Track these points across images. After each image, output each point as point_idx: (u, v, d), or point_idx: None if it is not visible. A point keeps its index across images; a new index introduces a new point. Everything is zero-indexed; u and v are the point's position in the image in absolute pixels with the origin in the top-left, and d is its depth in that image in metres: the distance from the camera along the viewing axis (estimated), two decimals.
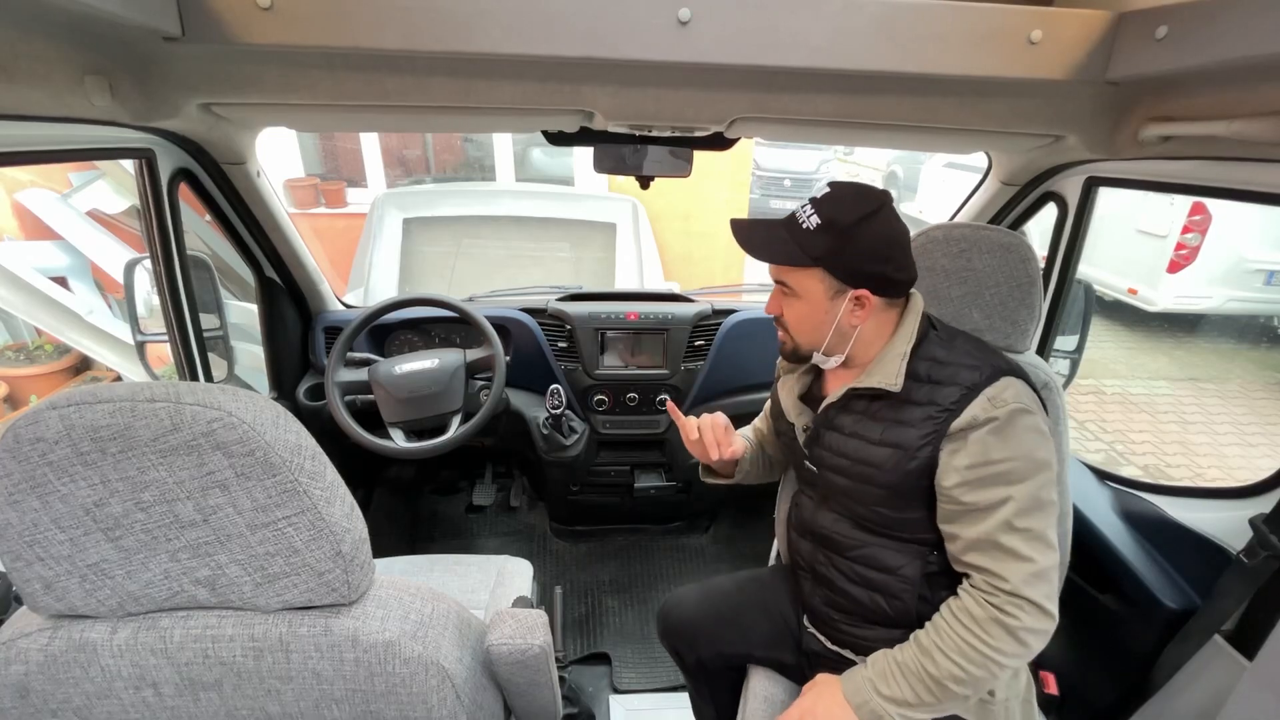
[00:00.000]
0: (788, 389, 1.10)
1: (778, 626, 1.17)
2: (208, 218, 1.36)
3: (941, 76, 0.90)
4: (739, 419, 1.79)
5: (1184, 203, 4.85)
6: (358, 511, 0.62)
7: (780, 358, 1.19)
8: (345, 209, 4.46)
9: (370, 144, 4.39)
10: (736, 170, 4.64)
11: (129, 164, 1.34)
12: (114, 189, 3.82)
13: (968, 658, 0.84)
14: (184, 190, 1.24)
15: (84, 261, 3.54)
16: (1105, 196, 1.36)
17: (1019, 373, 0.91)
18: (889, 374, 0.92)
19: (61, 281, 3.47)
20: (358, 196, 4.46)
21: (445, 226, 4.12)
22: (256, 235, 1.43)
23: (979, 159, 1.47)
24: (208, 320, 1.75)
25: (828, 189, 0.92)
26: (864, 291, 0.91)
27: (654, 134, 1.17)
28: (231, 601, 0.58)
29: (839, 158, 9.37)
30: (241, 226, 1.40)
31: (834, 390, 1.00)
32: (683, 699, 1.63)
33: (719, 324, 1.71)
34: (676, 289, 1.99)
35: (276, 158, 4.26)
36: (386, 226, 3.93)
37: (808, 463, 1.04)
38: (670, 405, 1.22)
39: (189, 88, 0.92)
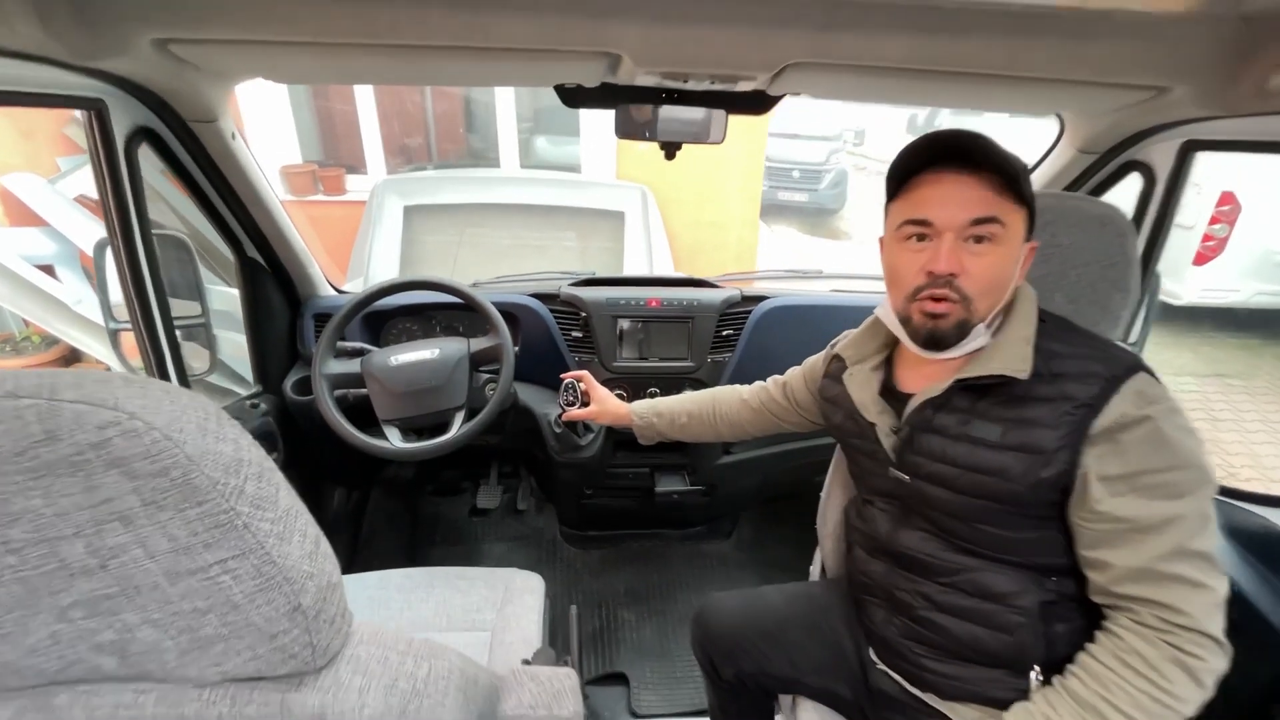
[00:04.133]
0: (862, 383, 0.94)
1: (832, 654, 1.02)
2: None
3: (1043, 7, 0.74)
4: None
5: (1212, 192, 4.67)
6: (325, 547, 0.46)
7: (835, 350, 1.04)
8: (344, 196, 4.32)
9: (370, 128, 4.23)
10: (750, 158, 4.46)
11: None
12: None
13: (1145, 710, 0.68)
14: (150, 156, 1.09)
15: (72, 249, 3.40)
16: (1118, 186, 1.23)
17: (1147, 367, 0.75)
18: (1014, 359, 0.76)
19: (49, 270, 3.33)
20: (357, 184, 4.32)
21: (448, 214, 3.96)
22: (235, 209, 1.27)
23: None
24: (188, 307, 1.60)
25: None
26: (1034, 244, 0.80)
27: (689, 85, 1.01)
28: (151, 673, 0.43)
29: (848, 150, 9.15)
30: (217, 198, 1.24)
31: (928, 384, 0.84)
32: None
33: (749, 311, 1.55)
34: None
35: (272, 142, 4.11)
36: (386, 214, 3.78)
37: (895, 471, 0.88)
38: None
39: (138, 19, 0.76)
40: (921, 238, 0.79)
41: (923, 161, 0.79)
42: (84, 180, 3.58)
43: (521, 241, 3.99)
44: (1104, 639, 0.74)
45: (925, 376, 0.87)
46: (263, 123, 4.05)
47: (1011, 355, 0.77)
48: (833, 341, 1.09)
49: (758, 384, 1.22)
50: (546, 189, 4.07)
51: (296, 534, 0.42)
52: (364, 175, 4.33)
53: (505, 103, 4.26)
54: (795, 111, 7.81)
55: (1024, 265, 0.80)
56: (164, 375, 1.16)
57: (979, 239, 0.75)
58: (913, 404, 0.85)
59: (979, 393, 0.79)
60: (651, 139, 1.18)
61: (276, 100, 4.07)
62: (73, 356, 3.74)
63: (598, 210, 4.04)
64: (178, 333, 1.90)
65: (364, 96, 4.14)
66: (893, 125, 10.89)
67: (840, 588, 1.11)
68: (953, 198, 0.76)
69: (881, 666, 0.95)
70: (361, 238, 3.72)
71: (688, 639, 1.70)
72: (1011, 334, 0.79)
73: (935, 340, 0.79)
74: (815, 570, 1.26)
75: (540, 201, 3.98)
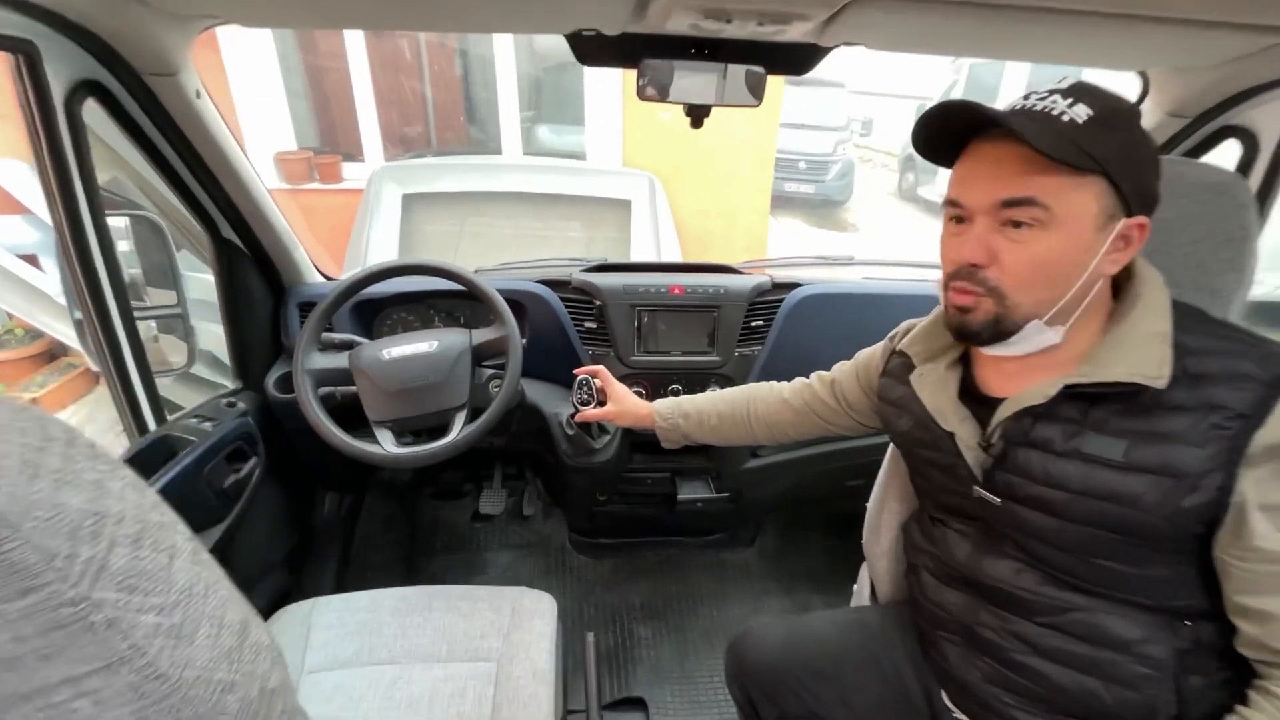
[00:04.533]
0: (935, 385, 0.79)
1: (894, 695, 0.88)
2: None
3: None
4: None
5: None
6: (258, 636, 0.32)
7: (897, 346, 0.88)
8: (341, 185, 4.17)
9: (367, 113, 4.08)
10: (761, 145, 4.30)
11: (108, 132, 1.02)
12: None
13: None
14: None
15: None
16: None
17: None
18: (1146, 361, 0.62)
19: (31, 260, 3.18)
20: (354, 172, 4.17)
21: (448, 203, 3.82)
22: (206, 183, 1.12)
23: None
24: (163, 295, 1.45)
25: (1065, 79, 0.64)
26: (1143, 219, 0.63)
27: (728, 32, 0.85)
28: None
29: (855, 143, 8.96)
30: (185, 171, 1.09)
31: (1023, 386, 0.69)
32: None
33: (780, 300, 1.40)
34: None
35: (266, 128, 3.95)
36: (384, 202, 3.64)
37: (981, 490, 0.73)
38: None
39: None
40: (960, 220, 0.67)
41: (962, 130, 0.66)
42: None
43: (525, 231, 3.84)
44: (1263, 701, 0.60)
45: (1016, 377, 0.72)
46: (255, 107, 3.90)
47: (1143, 356, 0.62)
48: (891, 334, 0.94)
49: (799, 381, 1.07)
50: (550, 177, 3.92)
51: (206, 624, 0.28)
52: (361, 163, 4.17)
53: (507, 88, 4.11)
54: (802, 101, 7.64)
55: (1115, 252, 0.63)
56: (122, 372, 1.01)
57: (1017, 223, 0.62)
58: (1004, 411, 0.70)
59: (1091, 399, 0.65)
60: (677, 101, 1.03)
61: (270, 83, 3.92)
62: (59, 351, 3.60)
63: (604, 199, 3.90)
64: (153, 324, 1.75)
65: (360, 78, 3.98)
66: (902, 115, 10.69)
67: (900, 616, 0.96)
68: (981, 174, 0.64)
69: (959, 715, 0.81)
70: (359, 227, 3.57)
71: (709, 658, 1.58)
72: (1139, 329, 0.64)
73: (963, 334, 0.69)
74: (863, 592, 1.11)
75: (544, 190, 3.84)
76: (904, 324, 0.93)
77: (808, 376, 1.08)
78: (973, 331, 0.67)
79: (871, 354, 0.97)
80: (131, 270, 1.83)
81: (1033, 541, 0.70)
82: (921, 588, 0.86)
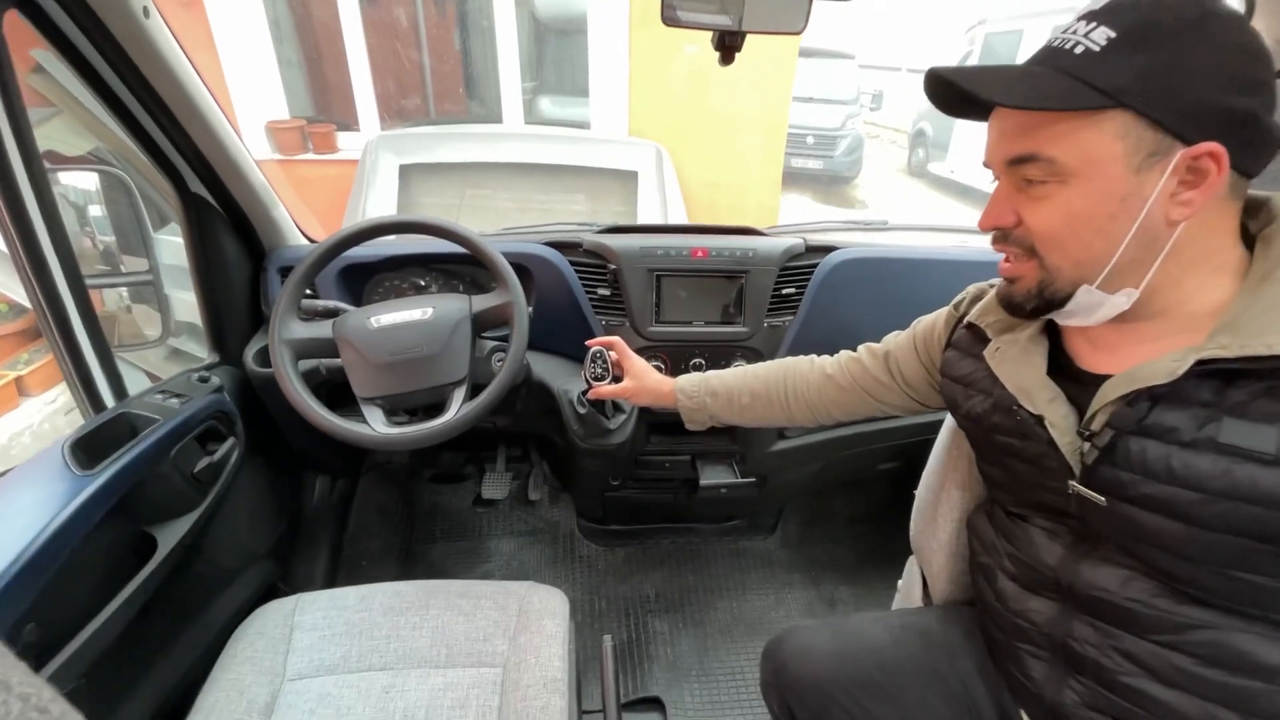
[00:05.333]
0: (1017, 360, 0.67)
1: (960, 713, 0.76)
2: None
3: None
4: None
5: None
6: None
7: (966, 317, 0.76)
8: (336, 155, 4.02)
9: (361, 79, 3.90)
10: (773, 114, 4.12)
11: (92, 101, 0.90)
12: (72, 129, 3.37)
13: None
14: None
15: None
16: None
17: None
18: None
19: None
20: (350, 141, 4.01)
21: (446, 174, 3.67)
22: (166, 125, 0.98)
23: None
24: (134, 261, 1.31)
25: None
26: (1212, 147, 0.48)
27: None
28: None
29: (865, 118, 8.71)
30: (140, 110, 0.95)
31: (1136, 360, 0.56)
32: None
33: (815, 265, 1.25)
34: None
35: (257, 96, 3.78)
36: (381, 173, 3.50)
37: (1080, 487, 0.60)
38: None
39: None
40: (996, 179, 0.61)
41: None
42: (51, 135, 3.28)
43: (527, 204, 3.70)
44: None
45: (1116, 348, 0.60)
46: (245, 75, 3.73)
47: None
48: (957, 299, 0.81)
49: (845, 355, 0.94)
50: (553, 146, 3.77)
51: None
52: (357, 133, 4.01)
53: (508, 58, 3.94)
54: (811, 73, 7.40)
55: (1183, 190, 0.50)
56: (71, 343, 0.88)
57: (1037, 180, 0.55)
58: (1111, 391, 0.57)
59: (1227, 377, 0.52)
60: (708, 25, 0.88)
61: (260, 50, 3.75)
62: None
63: (609, 170, 3.75)
64: (123, 293, 1.62)
65: (354, 44, 3.81)
66: (911, 89, 10.41)
67: (963, 621, 0.84)
68: (990, 134, 0.59)
69: None
70: (354, 199, 3.43)
71: (730, 654, 1.46)
72: None
73: (1009, 306, 0.63)
74: (913, 591, 0.99)
75: (546, 160, 3.69)
76: (971, 288, 0.80)
77: (851, 349, 0.94)
78: (1017, 303, 0.62)
79: (933, 323, 0.84)
80: (104, 238, 1.69)
81: (1147, 548, 0.57)
82: (998, 593, 0.73)
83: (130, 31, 0.83)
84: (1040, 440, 0.63)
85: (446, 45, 4.38)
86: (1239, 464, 0.50)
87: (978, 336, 0.73)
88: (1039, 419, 0.63)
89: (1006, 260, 0.61)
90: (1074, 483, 0.61)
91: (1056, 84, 0.51)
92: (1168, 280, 0.54)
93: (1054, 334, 0.67)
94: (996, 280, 0.76)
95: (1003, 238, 0.60)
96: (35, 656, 0.74)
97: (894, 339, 0.89)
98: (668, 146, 3.86)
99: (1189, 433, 0.53)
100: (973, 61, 8.18)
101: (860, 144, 7.87)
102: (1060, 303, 0.58)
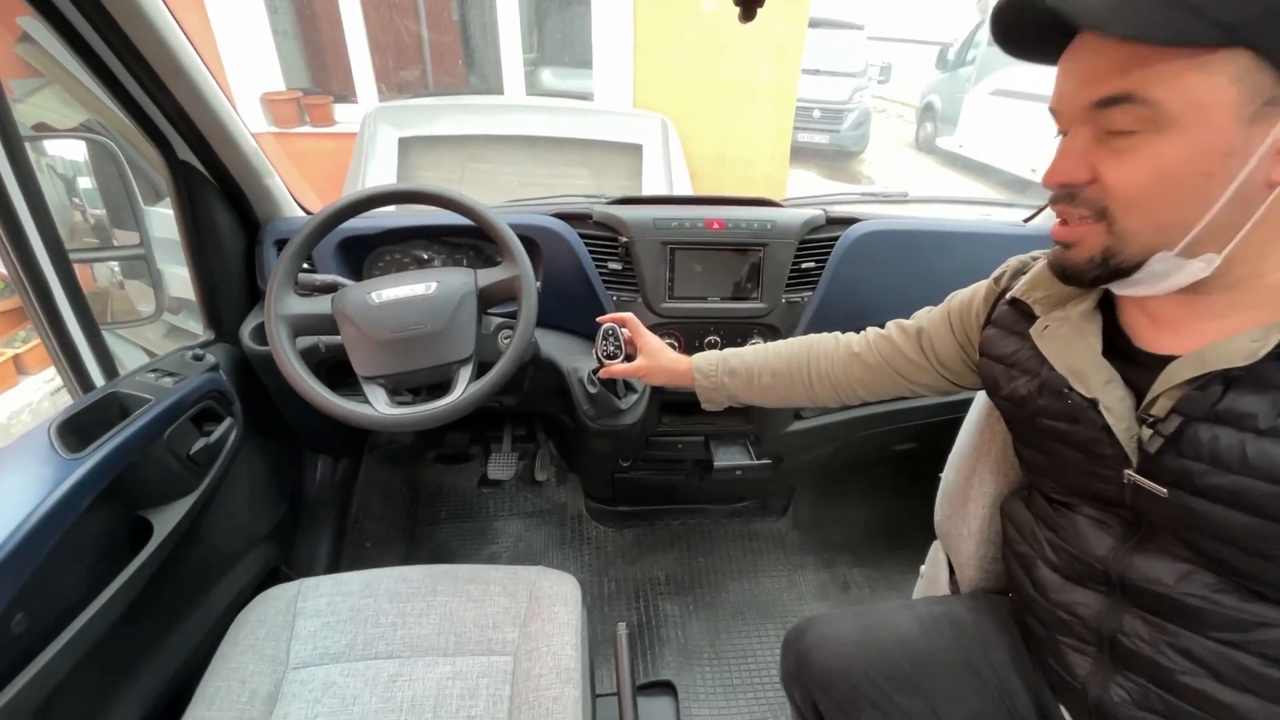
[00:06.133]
0: (1069, 339, 0.61)
1: (996, 707, 0.73)
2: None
3: None
4: None
5: None
6: None
7: (1010, 291, 0.70)
8: (333, 128, 3.93)
9: (358, 50, 3.80)
10: (782, 86, 4.01)
11: (78, 67, 0.86)
12: (62, 101, 3.29)
13: None
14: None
15: None
16: None
17: None
18: None
19: None
20: (347, 114, 3.92)
21: (447, 147, 3.59)
22: (151, 88, 0.92)
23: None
24: (125, 235, 1.26)
25: None
26: None
27: None
28: None
29: (874, 92, 8.52)
30: (122, 70, 0.89)
31: (1204, 338, 0.52)
32: None
33: (836, 238, 1.20)
34: None
35: (252, 67, 3.69)
36: (379, 147, 3.42)
37: (1137, 476, 0.56)
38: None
39: None
40: (1063, 134, 0.54)
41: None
42: (41, 106, 3.20)
43: (529, 178, 3.62)
44: None
45: (1182, 325, 0.54)
46: (239, 45, 3.63)
47: None
48: (997, 272, 0.76)
49: (873, 332, 0.88)
50: (556, 118, 3.68)
51: None
52: (354, 105, 3.91)
53: (509, 27, 3.83)
54: (819, 44, 7.22)
55: None
56: (56, 325, 0.83)
57: (1124, 131, 0.48)
58: (1179, 373, 0.52)
59: None
60: None
61: (254, 19, 3.64)
62: None
63: (613, 143, 3.66)
64: (115, 268, 1.56)
65: (351, 13, 3.69)
66: (921, 62, 10.19)
67: (996, 611, 0.80)
68: (1070, 71, 0.51)
69: None
70: (353, 173, 3.36)
71: (742, 636, 1.43)
72: None
73: (1064, 275, 0.57)
74: (939, 578, 0.95)
75: (549, 133, 3.60)
76: (1012, 261, 0.75)
77: (879, 326, 0.89)
78: (1075, 272, 0.55)
79: (970, 298, 0.78)
80: (95, 211, 1.63)
81: (1211, 541, 0.53)
82: (1037, 583, 0.69)
83: None
84: (1094, 426, 0.58)
85: (445, 15, 4.26)
86: None
87: (1022, 313, 0.68)
88: (1093, 403, 0.58)
89: (1064, 223, 0.55)
90: (1130, 472, 0.56)
91: (1168, 14, 0.43)
92: (1251, 249, 0.49)
93: (1108, 309, 0.62)
94: (1039, 252, 0.71)
95: (1068, 197, 0.53)
96: (26, 647, 0.71)
97: (926, 315, 0.84)
98: (673, 119, 3.76)
99: (1267, 419, 0.48)
100: (984, 33, 7.97)
101: (867, 118, 7.72)
102: (1128, 271, 0.52)
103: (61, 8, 0.79)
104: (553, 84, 4.31)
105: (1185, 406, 0.52)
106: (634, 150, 3.65)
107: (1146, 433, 0.55)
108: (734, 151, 4.11)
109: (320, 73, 4.13)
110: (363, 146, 3.37)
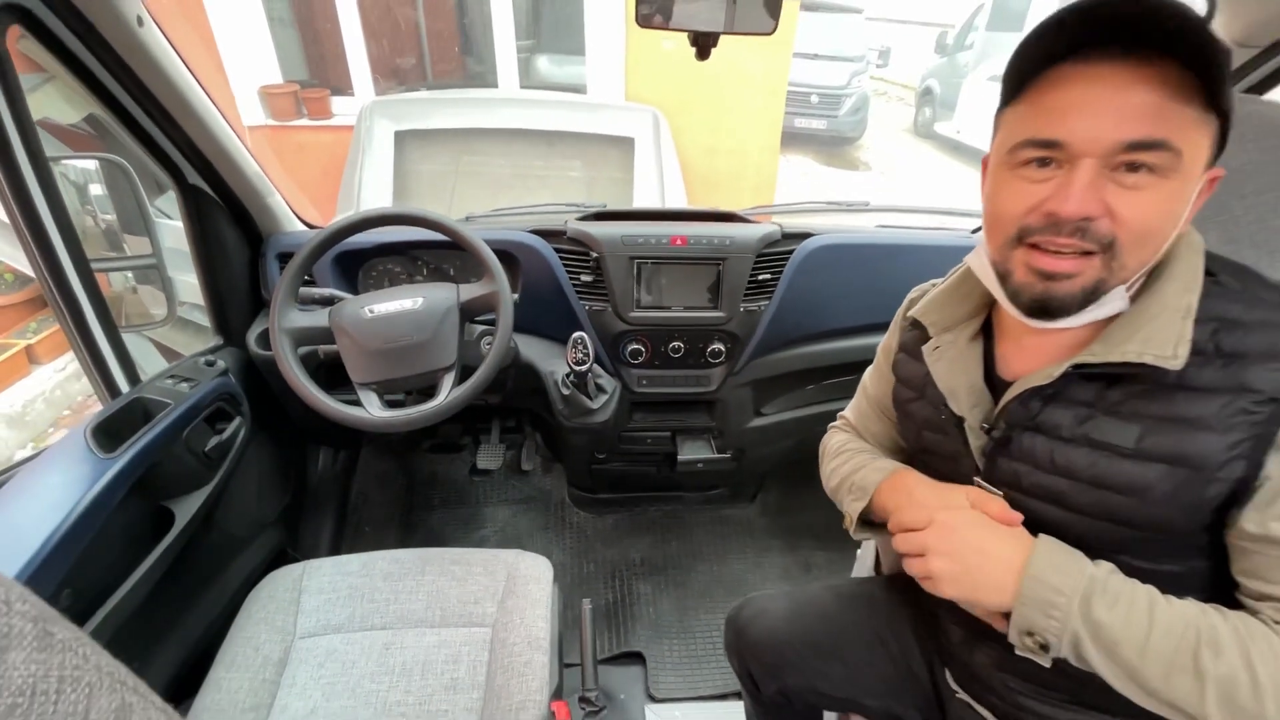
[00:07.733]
0: (953, 361, 0.71)
1: (898, 670, 0.85)
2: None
3: None
4: (804, 375, 1.42)
5: None
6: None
7: (910, 312, 0.78)
8: (331, 120, 3.97)
9: (354, 42, 3.85)
10: (772, 78, 4.06)
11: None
12: (65, 95, 3.36)
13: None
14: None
15: None
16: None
17: None
18: (1163, 340, 0.54)
19: None
20: (344, 106, 3.96)
21: (442, 140, 3.65)
22: (163, 124, 1.02)
23: None
24: (137, 244, 1.37)
25: None
26: (1220, 171, 0.56)
27: None
28: None
29: (872, 74, 8.48)
30: (138, 111, 0.99)
31: (1037, 365, 0.62)
32: (733, 710, 1.34)
33: (790, 251, 1.31)
34: None
35: (249, 60, 3.74)
36: (376, 140, 3.48)
37: (981, 482, 0.68)
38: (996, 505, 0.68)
39: None
40: (1045, 162, 0.54)
41: (1066, 44, 0.52)
42: (44, 102, 3.27)
43: (523, 171, 3.69)
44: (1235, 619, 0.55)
45: (1036, 353, 0.64)
46: (236, 36, 3.67)
47: (1159, 333, 0.54)
48: (909, 297, 0.84)
49: (840, 435, 0.94)
50: (549, 112, 3.73)
51: None
52: (351, 97, 3.97)
53: (503, 15, 3.86)
54: (816, 29, 7.20)
55: (1197, 203, 0.55)
56: (84, 330, 0.95)
57: (1134, 167, 0.51)
58: (1011, 393, 0.63)
59: (1108, 380, 0.58)
60: (681, 28, 0.91)
61: (250, 10, 3.68)
62: None
63: (605, 136, 3.72)
64: (129, 275, 1.67)
65: (346, 3, 3.74)
66: (920, 44, 10.13)
67: (906, 590, 0.92)
68: (1105, 105, 0.50)
69: (963, 696, 0.78)
70: (350, 166, 3.43)
71: (708, 613, 1.57)
72: (1161, 300, 0.55)
73: (1046, 308, 0.57)
74: (866, 560, 1.08)
75: (543, 126, 3.66)
76: (918, 288, 0.83)
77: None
78: (1062, 302, 0.55)
79: (888, 336, 0.87)
80: (106, 216, 1.74)
81: (1043, 532, 0.64)
82: None
83: (126, 41, 0.88)
84: (957, 440, 0.69)
85: (441, 3, 4.29)
86: (1104, 457, 0.57)
87: (922, 337, 0.76)
88: (959, 421, 0.68)
89: (1060, 255, 0.54)
90: (978, 478, 0.68)
91: (1220, 63, 0.48)
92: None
93: (988, 336, 0.71)
94: (938, 280, 0.81)
95: (1078, 231, 0.53)
96: (72, 620, 0.84)
97: (868, 380, 0.91)
98: (665, 111, 3.82)
99: (1068, 429, 0.60)
100: (983, 17, 7.93)
101: (866, 103, 7.69)
102: (1095, 300, 0.55)
103: (81, 57, 0.90)
104: (548, 71, 4.34)
105: (1012, 418, 0.63)
106: (626, 144, 3.70)
107: (988, 442, 0.66)
108: (726, 143, 4.17)
109: (317, 64, 4.18)
110: (360, 139, 3.44)
